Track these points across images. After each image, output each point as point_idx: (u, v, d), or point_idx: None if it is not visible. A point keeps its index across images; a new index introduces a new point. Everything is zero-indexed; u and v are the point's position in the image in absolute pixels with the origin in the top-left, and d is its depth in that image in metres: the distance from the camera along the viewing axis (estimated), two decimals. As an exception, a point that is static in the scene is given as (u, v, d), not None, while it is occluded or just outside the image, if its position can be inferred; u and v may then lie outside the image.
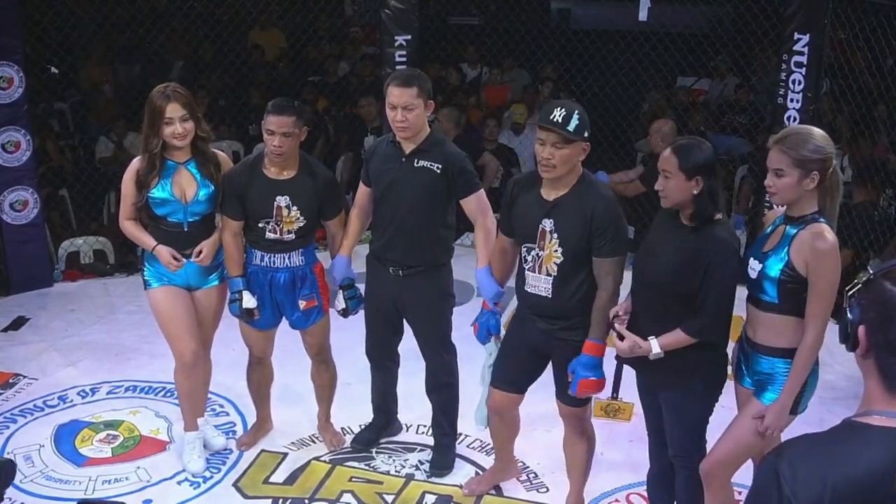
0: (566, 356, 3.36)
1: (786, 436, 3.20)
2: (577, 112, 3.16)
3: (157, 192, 3.71)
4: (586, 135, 3.19)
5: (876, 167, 6.09)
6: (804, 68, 5.85)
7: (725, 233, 3.02)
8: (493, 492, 3.92)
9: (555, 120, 3.13)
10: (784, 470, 1.52)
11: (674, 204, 3.02)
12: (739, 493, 3.29)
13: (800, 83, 5.88)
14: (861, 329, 1.59)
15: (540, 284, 3.31)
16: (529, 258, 3.32)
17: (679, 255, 2.99)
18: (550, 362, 3.49)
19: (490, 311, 3.60)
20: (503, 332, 3.65)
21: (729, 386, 3.20)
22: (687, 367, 3.05)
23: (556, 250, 3.25)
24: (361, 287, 3.96)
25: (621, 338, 3.09)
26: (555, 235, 3.25)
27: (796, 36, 5.84)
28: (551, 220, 3.25)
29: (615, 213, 3.25)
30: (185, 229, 3.77)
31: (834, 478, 1.50)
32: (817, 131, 2.93)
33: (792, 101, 5.94)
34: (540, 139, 3.19)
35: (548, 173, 3.21)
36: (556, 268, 3.26)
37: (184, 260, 3.76)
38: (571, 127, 3.13)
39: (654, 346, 3.03)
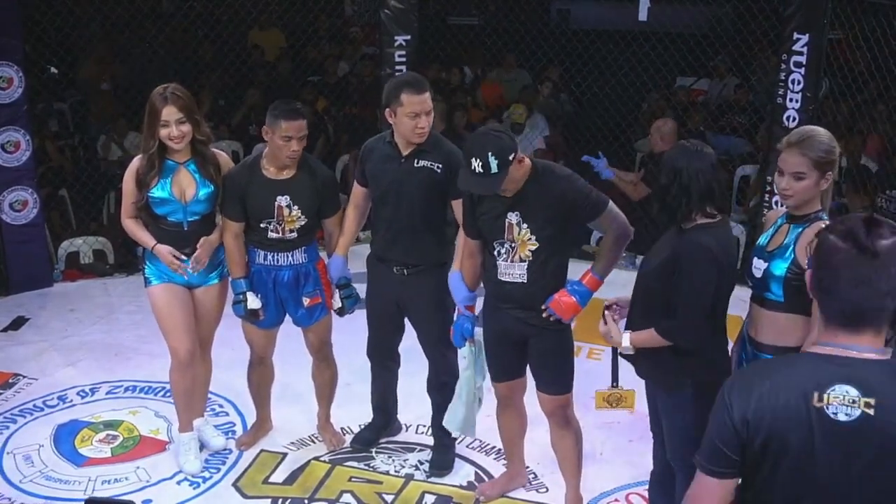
0: (541, 344, 3.42)
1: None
2: (490, 153, 3.11)
3: (156, 192, 3.72)
4: (512, 157, 3.16)
5: (868, 172, 6.10)
6: (803, 68, 5.86)
7: (708, 238, 2.93)
8: (492, 491, 3.93)
9: (477, 172, 3.14)
10: (727, 387, 1.89)
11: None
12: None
13: (799, 83, 5.89)
14: (808, 273, 1.92)
15: (514, 271, 3.34)
16: (503, 250, 3.35)
17: (662, 255, 3.01)
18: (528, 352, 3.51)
19: (464, 315, 3.59)
20: (479, 333, 3.63)
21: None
22: (677, 368, 3.05)
23: (530, 238, 3.29)
24: (358, 286, 3.96)
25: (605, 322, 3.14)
26: (524, 226, 3.29)
27: (795, 36, 5.85)
28: (517, 213, 3.30)
29: (579, 182, 3.33)
30: (185, 229, 3.78)
31: (760, 389, 1.82)
32: (823, 130, 2.94)
33: (791, 100, 5.95)
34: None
35: (506, 195, 3.28)
36: (530, 254, 3.31)
37: (186, 265, 3.77)
38: (494, 168, 3.12)
39: (626, 339, 3.07)
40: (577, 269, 3.46)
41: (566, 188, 3.29)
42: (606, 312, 3.16)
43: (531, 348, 3.48)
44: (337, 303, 3.93)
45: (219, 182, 3.79)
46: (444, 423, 3.78)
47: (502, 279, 3.37)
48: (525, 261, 3.32)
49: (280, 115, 3.66)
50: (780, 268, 2.92)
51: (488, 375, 3.67)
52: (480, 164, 3.13)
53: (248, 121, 7.99)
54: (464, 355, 3.63)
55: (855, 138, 6.69)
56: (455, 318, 3.64)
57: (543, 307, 3.35)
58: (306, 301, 3.90)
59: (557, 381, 3.49)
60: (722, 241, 2.97)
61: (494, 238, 3.36)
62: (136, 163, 3.77)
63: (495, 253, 3.37)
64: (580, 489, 3.75)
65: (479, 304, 3.62)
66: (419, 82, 3.67)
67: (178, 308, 3.83)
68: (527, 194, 3.29)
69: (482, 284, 3.56)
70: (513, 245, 3.32)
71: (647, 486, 3.51)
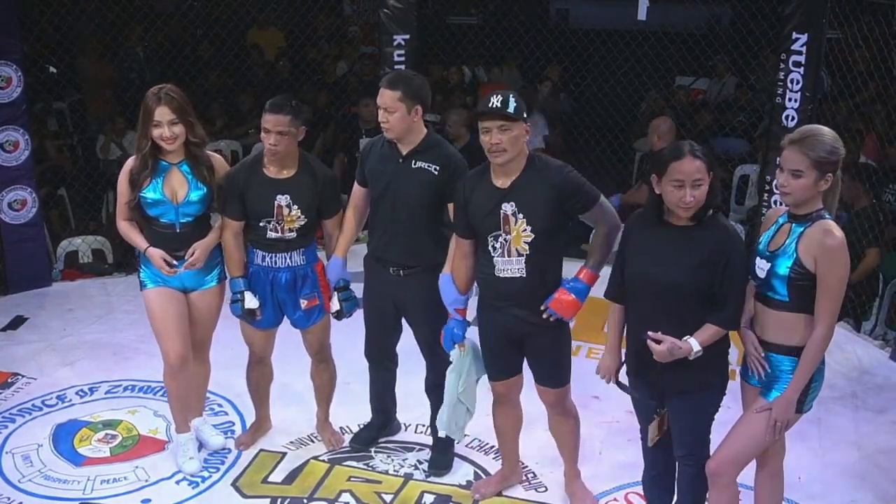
0: (540, 342, 3.44)
1: (790, 436, 3.20)
2: (511, 96, 3.28)
3: (148, 193, 3.71)
4: (525, 115, 3.31)
5: (869, 170, 6.11)
6: (802, 68, 5.86)
7: (728, 222, 3.09)
8: (491, 491, 3.92)
9: (494, 106, 3.23)
10: None
11: (699, 208, 2.98)
12: (741, 492, 3.29)
13: (798, 82, 5.89)
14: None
15: (512, 267, 3.34)
16: (497, 245, 3.35)
17: (694, 253, 2.97)
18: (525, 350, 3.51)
19: (454, 320, 3.59)
20: (468, 338, 3.62)
21: (730, 385, 3.20)
22: (710, 364, 3.05)
23: (525, 229, 3.30)
24: (357, 287, 3.95)
25: (657, 343, 2.98)
26: (520, 216, 3.30)
27: (794, 35, 5.85)
28: (512, 203, 3.31)
29: (574, 174, 3.37)
30: (177, 230, 3.77)
31: None
32: (828, 131, 2.94)
33: (790, 100, 5.95)
34: (484, 128, 3.27)
35: (498, 157, 3.28)
36: (527, 247, 3.31)
37: (178, 268, 3.76)
38: (510, 109, 3.24)
39: (695, 344, 2.98)
40: (575, 269, 3.45)
41: (561, 178, 3.32)
42: (651, 334, 2.99)
43: (529, 346, 3.48)
44: (335, 305, 3.92)
45: (212, 184, 3.78)
46: (435, 423, 3.79)
47: (500, 275, 3.37)
48: (522, 255, 3.32)
49: (266, 107, 3.69)
50: (784, 267, 2.92)
51: (485, 377, 3.67)
52: (500, 100, 3.24)
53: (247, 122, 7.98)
54: (453, 359, 3.62)
55: (853, 137, 6.69)
56: (446, 322, 3.64)
57: (543, 307, 3.34)
58: (304, 303, 3.89)
59: (557, 375, 3.53)
60: None
61: (489, 232, 3.35)
62: (130, 163, 3.77)
63: (490, 248, 3.36)
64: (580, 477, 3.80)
65: (470, 306, 3.62)
66: (390, 79, 3.71)
67: (172, 312, 3.82)
68: (522, 184, 3.31)
69: (474, 288, 3.56)
70: (507, 238, 3.32)
71: (647, 486, 3.51)
